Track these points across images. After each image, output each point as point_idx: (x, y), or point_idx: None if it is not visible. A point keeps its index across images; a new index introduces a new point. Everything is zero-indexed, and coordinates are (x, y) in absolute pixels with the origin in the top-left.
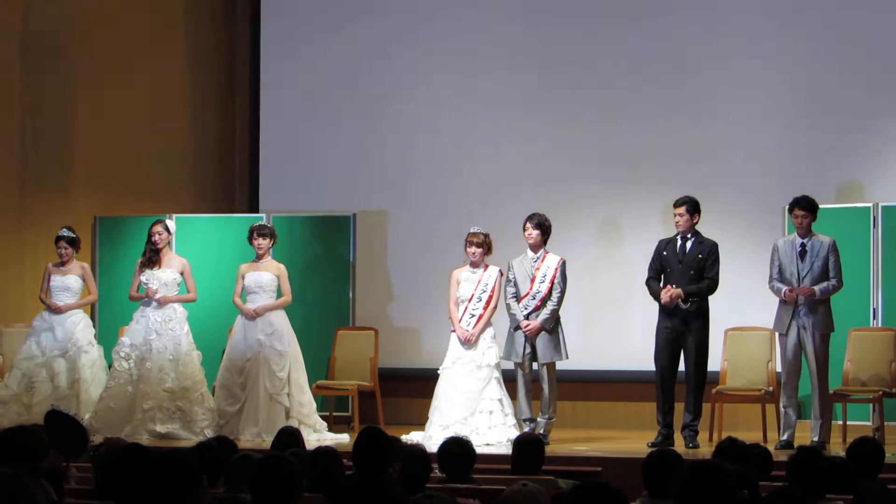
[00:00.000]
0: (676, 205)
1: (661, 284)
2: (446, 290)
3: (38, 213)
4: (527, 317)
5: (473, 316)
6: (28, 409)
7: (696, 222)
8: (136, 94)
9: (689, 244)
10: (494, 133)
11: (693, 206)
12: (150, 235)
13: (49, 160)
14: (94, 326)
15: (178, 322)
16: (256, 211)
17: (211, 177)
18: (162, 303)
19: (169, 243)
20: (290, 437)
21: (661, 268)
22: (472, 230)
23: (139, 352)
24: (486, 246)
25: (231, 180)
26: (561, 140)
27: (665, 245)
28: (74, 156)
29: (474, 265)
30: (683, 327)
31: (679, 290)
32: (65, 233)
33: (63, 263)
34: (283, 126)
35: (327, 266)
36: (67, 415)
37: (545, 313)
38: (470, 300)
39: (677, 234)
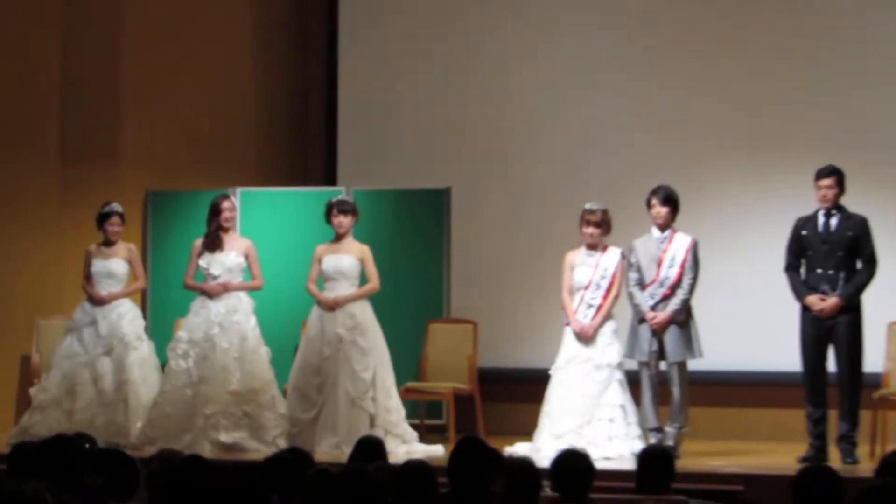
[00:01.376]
0: (821, 175)
1: (804, 275)
2: (559, 276)
3: (82, 188)
4: (653, 307)
5: (591, 306)
6: (69, 415)
7: (842, 196)
8: (195, 57)
9: (834, 221)
10: (613, 99)
11: (841, 178)
12: (217, 212)
13: (94, 129)
14: (143, 318)
15: (243, 314)
16: (334, 184)
17: (281, 146)
18: (223, 291)
19: (233, 221)
20: (373, 449)
21: (801, 250)
22: (587, 206)
23: (199, 348)
24: (605, 225)
25: (304, 150)
26: (688, 108)
27: (804, 223)
28: (122, 123)
29: (591, 247)
30: (831, 320)
31: (835, 300)
32: (113, 206)
33: (108, 244)
34: (364, 89)
35: (418, 248)
36: (116, 451)
37: (675, 303)
38: (587, 288)
39: (818, 211)
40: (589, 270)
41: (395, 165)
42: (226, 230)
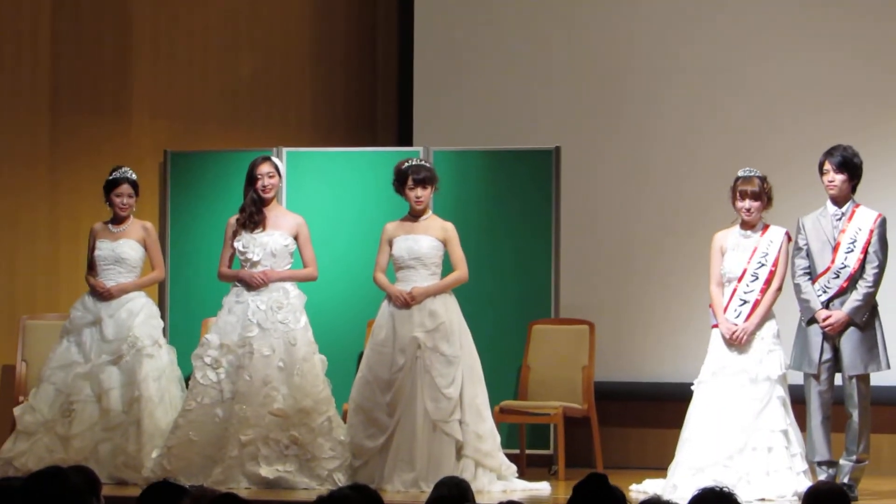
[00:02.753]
0: None
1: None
2: (702, 263)
3: (78, 147)
4: (826, 304)
5: (746, 302)
6: (65, 442)
7: None
8: None
9: None
10: (768, 35)
11: None
12: (252, 180)
13: (94, 70)
14: (162, 317)
15: (291, 311)
16: (409, 144)
17: (340, 96)
18: (267, 282)
19: (278, 192)
20: (457, 490)
21: None
22: (741, 173)
23: (233, 356)
24: (764, 196)
25: (370, 101)
26: (869, 48)
27: None
28: (132, 63)
29: (748, 226)
30: None
31: None
32: (125, 171)
33: (117, 221)
34: (446, 27)
35: (517, 226)
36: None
37: (855, 299)
38: (741, 279)
39: None
40: (744, 256)
41: (485, 121)
42: (267, 203)
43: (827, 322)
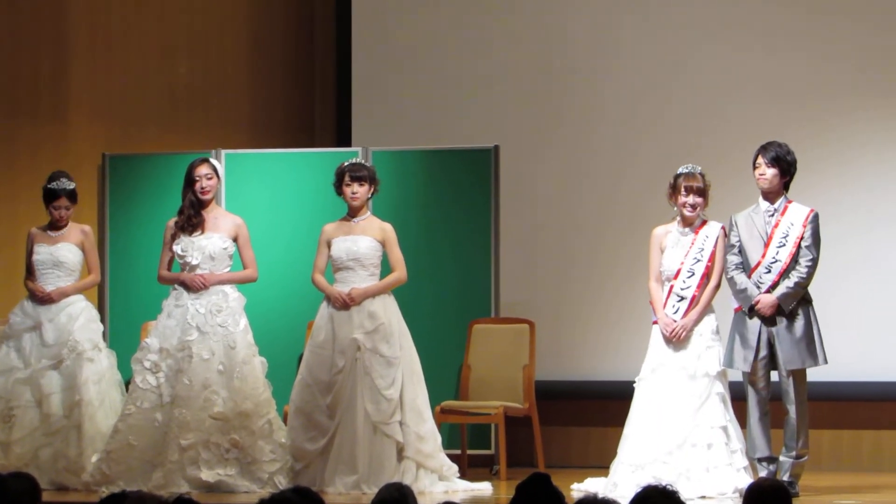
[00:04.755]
0: None
1: None
2: (642, 260)
3: (13, 150)
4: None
5: (683, 299)
6: (6, 448)
7: None
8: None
9: None
10: (704, 30)
11: None
12: (191, 181)
13: (29, 71)
14: (101, 321)
15: (231, 314)
16: (347, 145)
17: (278, 97)
18: (206, 285)
19: (217, 194)
20: (398, 493)
21: None
22: (684, 169)
23: (173, 360)
24: (705, 193)
25: (308, 102)
26: (804, 35)
27: None
28: (69, 63)
29: (686, 222)
30: None
31: None
32: (61, 183)
33: (55, 227)
34: (383, 26)
35: (456, 226)
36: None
37: (786, 286)
38: (677, 275)
39: None
40: (681, 252)
41: (424, 121)
42: (205, 205)
43: (757, 307)
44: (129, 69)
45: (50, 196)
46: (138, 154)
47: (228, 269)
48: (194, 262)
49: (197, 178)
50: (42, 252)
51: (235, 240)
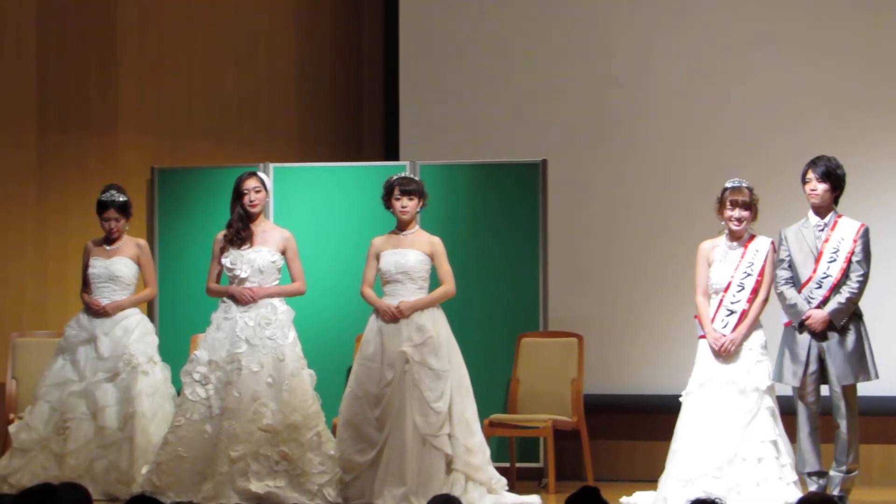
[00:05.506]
0: None
1: None
2: (690, 273)
3: (65, 164)
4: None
5: (733, 313)
6: (60, 460)
7: None
8: (217, 6)
9: None
10: (746, 49)
11: None
12: (239, 195)
13: (80, 87)
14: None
15: (279, 327)
16: (395, 158)
17: (326, 111)
18: (255, 298)
19: (265, 208)
20: None
21: None
22: (731, 184)
23: (222, 372)
24: (753, 207)
25: (356, 116)
26: (854, 50)
27: None
28: (118, 79)
29: (734, 236)
30: None
31: None
32: (112, 195)
33: (110, 240)
34: (431, 40)
35: (504, 240)
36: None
37: (838, 301)
38: (727, 289)
39: None
40: (730, 267)
41: (471, 134)
42: (253, 218)
43: (808, 322)
44: (178, 83)
45: (100, 208)
46: (187, 167)
47: (277, 282)
48: (243, 276)
49: (245, 192)
50: (98, 265)
51: (284, 253)
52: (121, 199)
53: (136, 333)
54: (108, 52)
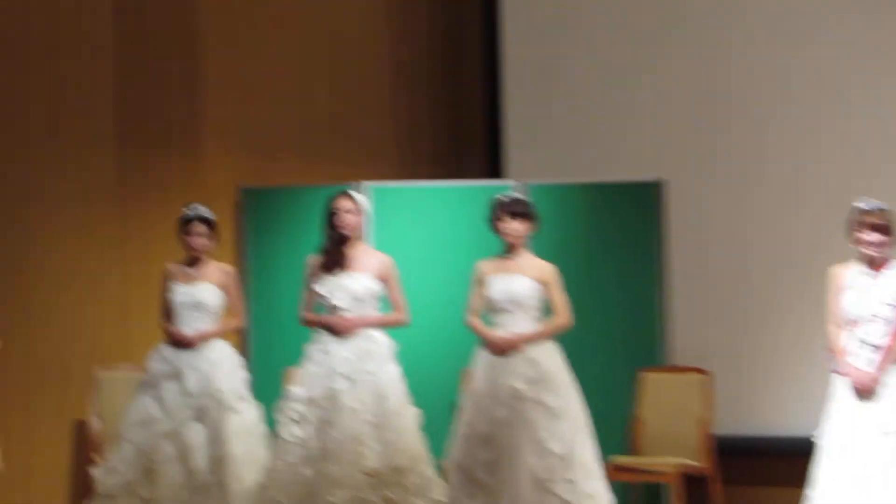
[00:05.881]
0: None
1: None
2: (821, 300)
3: (147, 184)
4: None
5: (874, 347)
6: None
7: None
8: (305, 6)
9: None
10: (872, 58)
11: None
12: (332, 217)
13: (161, 102)
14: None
15: (380, 360)
16: (500, 177)
17: (426, 127)
18: (352, 329)
19: (362, 230)
20: None
21: None
22: (863, 205)
23: (320, 410)
24: (889, 230)
25: (458, 132)
26: None
27: None
28: (202, 94)
29: (870, 262)
30: None
31: None
32: (197, 209)
33: (194, 263)
34: (538, 52)
35: (622, 266)
36: None
37: None
38: (865, 321)
39: None
40: (867, 296)
41: (582, 151)
42: (348, 242)
43: None
44: (265, 96)
45: (184, 224)
46: (276, 187)
47: (376, 311)
48: (339, 304)
49: (337, 213)
50: (181, 292)
51: (383, 279)
52: (207, 214)
53: (224, 367)
54: (190, 62)
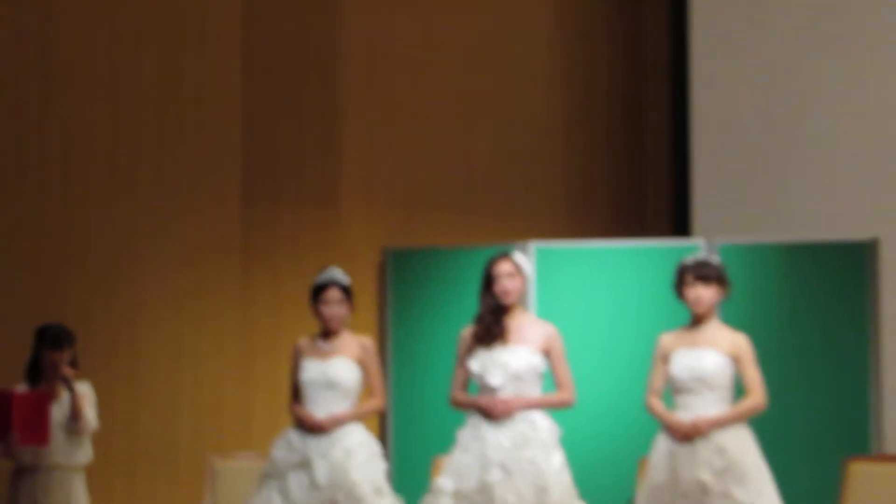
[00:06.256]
0: None
1: None
2: None
3: (275, 246)
4: None
5: None
6: None
7: None
8: (457, 51)
9: None
10: None
11: None
12: (490, 282)
13: (298, 156)
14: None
15: (542, 448)
16: (687, 234)
17: (599, 181)
18: (510, 411)
19: (523, 297)
20: None
21: None
22: None
23: None
24: None
25: (637, 185)
26: None
27: None
28: (341, 147)
29: None
30: None
31: None
32: (331, 272)
33: (328, 336)
34: (729, 99)
35: (825, 339)
36: None
37: None
38: None
39: None
40: None
41: (780, 207)
42: (508, 310)
43: None
44: (414, 144)
45: (317, 290)
46: (424, 247)
47: (538, 390)
48: (495, 383)
49: (497, 278)
50: (311, 369)
51: (547, 353)
52: (343, 279)
53: (359, 456)
54: (328, 104)
